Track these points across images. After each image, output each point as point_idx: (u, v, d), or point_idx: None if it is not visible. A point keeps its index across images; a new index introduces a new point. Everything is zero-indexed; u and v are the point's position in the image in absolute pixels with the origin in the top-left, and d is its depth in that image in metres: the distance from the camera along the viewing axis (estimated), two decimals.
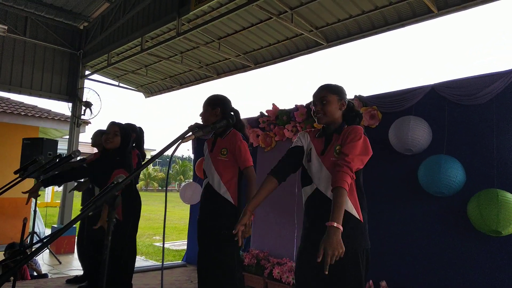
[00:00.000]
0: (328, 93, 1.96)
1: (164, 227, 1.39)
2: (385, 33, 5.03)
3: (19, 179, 2.68)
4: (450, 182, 2.67)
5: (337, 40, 5.46)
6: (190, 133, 1.52)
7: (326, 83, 2.04)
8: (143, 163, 3.45)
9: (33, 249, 1.39)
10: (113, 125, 2.80)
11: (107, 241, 1.27)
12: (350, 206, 1.78)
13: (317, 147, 1.96)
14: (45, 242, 1.17)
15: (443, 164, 2.71)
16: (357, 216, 1.79)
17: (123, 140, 2.78)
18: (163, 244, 1.34)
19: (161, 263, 5.93)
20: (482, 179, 2.76)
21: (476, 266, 2.74)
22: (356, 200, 1.81)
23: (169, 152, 1.43)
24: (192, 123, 1.55)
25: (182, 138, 1.49)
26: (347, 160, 1.73)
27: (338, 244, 1.55)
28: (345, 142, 1.81)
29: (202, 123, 2.37)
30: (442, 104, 3.06)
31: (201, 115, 2.47)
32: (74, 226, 6.48)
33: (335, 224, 1.59)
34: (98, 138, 3.86)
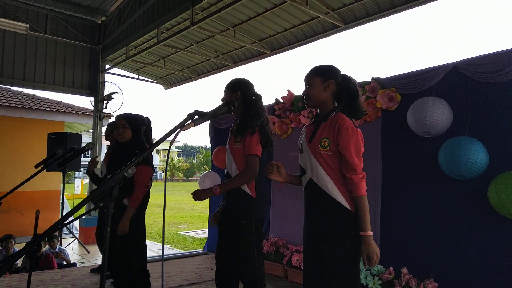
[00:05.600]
0: (311, 76, 1.93)
1: (163, 217, 1.38)
2: (405, 11, 4.82)
3: (38, 172, 2.75)
4: (471, 165, 2.55)
5: (355, 22, 5.28)
6: (190, 121, 1.48)
7: (317, 65, 1.98)
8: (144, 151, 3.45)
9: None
10: (120, 118, 2.80)
11: (107, 232, 1.26)
12: (342, 198, 1.79)
13: (307, 134, 1.96)
14: (37, 240, 1.18)
15: (463, 146, 2.58)
16: (348, 207, 1.79)
17: (134, 131, 2.79)
18: (163, 234, 1.32)
19: (185, 251, 6.03)
20: (506, 160, 2.60)
21: (499, 250, 2.60)
22: (347, 192, 1.80)
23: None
24: (192, 111, 1.50)
25: (181, 126, 1.46)
26: (353, 168, 1.76)
27: (376, 249, 1.73)
28: (338, 142, 1.79)
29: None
30: (465, 83, 2.90)
31: (222, 99, 2.38)
32: (95, 216, 6.70)
33: (367, 233, 1.74)
34: (110, 131, 3.91)
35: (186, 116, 1.50)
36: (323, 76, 1.90)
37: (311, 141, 1.89)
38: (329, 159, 1.81)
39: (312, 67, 1.98)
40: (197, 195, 2.26)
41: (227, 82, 2.43)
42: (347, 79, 1.91)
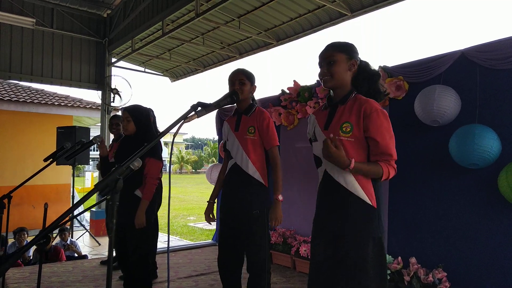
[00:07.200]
0: (336, 52, 1.68)
1: (168, 211, 1.38)
2: None
3: (47, 165, 2.78)
4: (485, 154, 2.48)
5: (362, 10, 5.18)
6: (193, 113, 1.48)
7: (337, 41, 1.75)
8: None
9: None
10: (123, 111, 2.80)
11: (112, 224, 1.27)
12: (362, 193, 1.61)
13: (320, 121, 1.75)
14: (42, 235, 1.19)
15: (477, 134, 2.51)
16: (369, 202, 1.62)
17: (138, 123, 2.78)
18: (168, 227, 1.33)
19: (194, 243, 6.09)
20: None
21: (509, 239, 2.57)
22: (369, 185, 1.63)
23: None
24: (195, 102, 1.49)
25: (184, 118, 1.45)
26: (389, 153, 1.62)
27: (341, 159, 1.55)
28: (367, 127, 1.60)
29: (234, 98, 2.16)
30: (474, 70, 2.84)
31: (235, 88, 2.26)
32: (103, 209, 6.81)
33: (353, 163, 1.56)
34: (115, 124, 3.92)
35: (189, 108, 1.49)
36: (348, 54, 1.69)
37: (327, 128, 1.69)
38: (349, 147, 1.61)
39: (331, 43, 1.75)
40: (278, 219, 2.24)
41: (244, 71, 2.34)
42: (365, 62, 1.75)
